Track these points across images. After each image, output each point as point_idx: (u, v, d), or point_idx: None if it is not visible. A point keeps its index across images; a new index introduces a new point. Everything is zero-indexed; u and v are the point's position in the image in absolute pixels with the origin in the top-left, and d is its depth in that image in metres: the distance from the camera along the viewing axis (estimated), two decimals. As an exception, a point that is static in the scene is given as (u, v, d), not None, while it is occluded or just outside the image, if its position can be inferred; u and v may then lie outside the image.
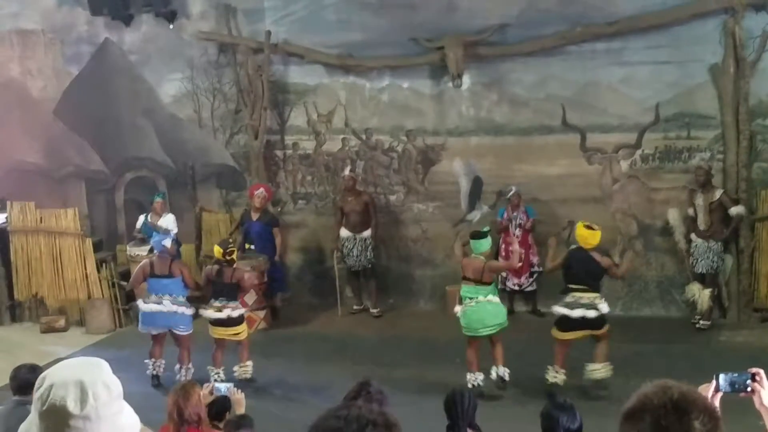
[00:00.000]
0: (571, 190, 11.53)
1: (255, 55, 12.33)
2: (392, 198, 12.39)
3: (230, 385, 5.85)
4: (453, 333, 10.56)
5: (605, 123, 11.35)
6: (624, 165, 11.37)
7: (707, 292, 10.62)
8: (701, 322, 10.69)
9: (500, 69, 11.65)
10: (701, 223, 10.63)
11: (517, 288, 11.55)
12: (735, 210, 10.53)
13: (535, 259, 11.49)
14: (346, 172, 12.13)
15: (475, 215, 12.05)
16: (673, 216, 11.05)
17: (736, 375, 2.61)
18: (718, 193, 10.56)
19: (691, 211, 10.75)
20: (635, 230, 11.41)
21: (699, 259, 10.65)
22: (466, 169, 12.04)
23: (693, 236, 10.71)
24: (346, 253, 11.89)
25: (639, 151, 11.27)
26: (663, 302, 11.34)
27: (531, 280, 11.53)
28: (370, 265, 11.94)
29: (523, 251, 11.30)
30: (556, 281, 11.35)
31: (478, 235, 8.88)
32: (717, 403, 2.63)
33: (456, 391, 5.08)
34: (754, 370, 2.60)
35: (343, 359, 9.47)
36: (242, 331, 9.43)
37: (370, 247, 11.86)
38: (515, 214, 11.34)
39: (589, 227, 8.79)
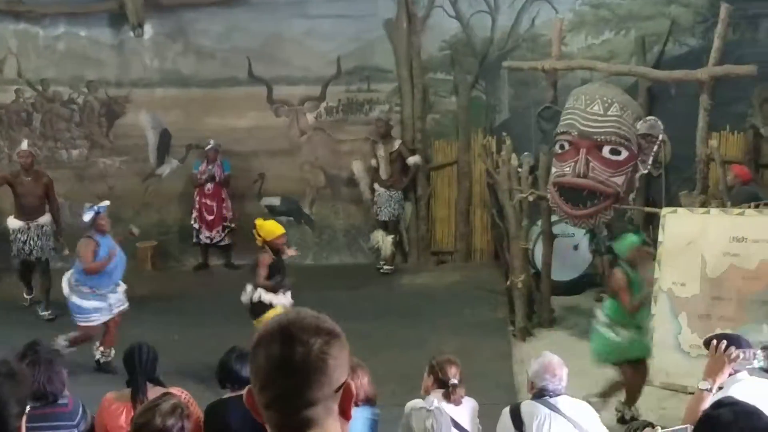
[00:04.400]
0: (260, 143, 11.55)
1: None
2: (74, 153, 11.74)
3: None
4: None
5: (290, 75, 11.44)
6: (310, 117, 11.56)
7: (390, 238, 11.17)
8: (385, 267, 11.24)
9: (183, 19, 11.37)
10: (383, 173, 11.09)
11: (209, 242, 11.44)
12: (412, 160, 11.10)
13: (228, 214, 11.40)
14: (24, 146, 9.96)
15: (165, 169, 11.76)
16: (357, 167, 11.45)
17: None
18: (397, 144, 11.05)
19: (373, 162, 11.17)
20: (323, 181, 11.69)
21: (382, 208, 11.14)
22: (153, 122, 11.66)
23: (376, 186, 11.17)
24: (20, 246, 9.79)
25: (324, 104, 11.50)
26: (350, 250, 11.76)
27: (224, 234, 11.45)
28: (49, 255, 9.95)
29: (215, 204, 11.26)
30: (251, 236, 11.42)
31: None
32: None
33: (134, 345, 5.03)
34: None
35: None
36: None
37: (47, 235, 9.86)
38: (210, 167, 11.16)
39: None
